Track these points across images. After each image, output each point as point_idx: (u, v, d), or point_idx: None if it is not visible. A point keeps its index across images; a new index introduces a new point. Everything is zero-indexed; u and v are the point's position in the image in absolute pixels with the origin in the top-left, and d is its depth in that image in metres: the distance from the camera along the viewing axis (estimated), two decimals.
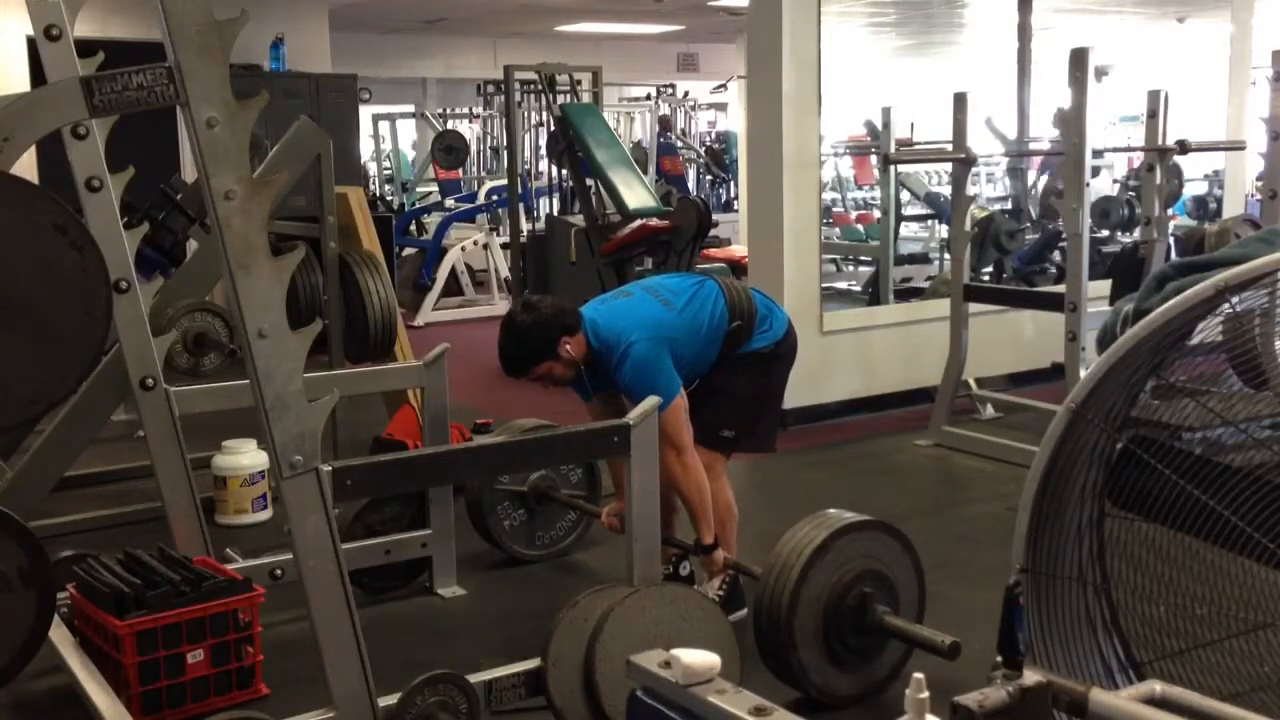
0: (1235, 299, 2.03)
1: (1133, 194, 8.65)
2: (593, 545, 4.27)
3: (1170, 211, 7.46)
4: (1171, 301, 2.07)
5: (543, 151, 9.80)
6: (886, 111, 7.48)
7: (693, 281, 3.61)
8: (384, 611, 3.73)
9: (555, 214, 8.81)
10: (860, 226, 10.69)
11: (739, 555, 3.63)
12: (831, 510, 3.15)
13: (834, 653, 3.01)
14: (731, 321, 3.52)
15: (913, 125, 10.62)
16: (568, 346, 3.38)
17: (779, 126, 5.72)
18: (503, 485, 4.08)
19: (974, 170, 6.75)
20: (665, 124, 15.30)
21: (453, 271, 10.09)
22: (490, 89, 12.47)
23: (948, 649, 2.87)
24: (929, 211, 9.96)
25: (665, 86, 14.85)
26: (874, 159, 9.73)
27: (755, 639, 3.03)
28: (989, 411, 6.13)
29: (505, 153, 9.77)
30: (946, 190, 7.93)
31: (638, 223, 6.95)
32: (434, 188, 13.61)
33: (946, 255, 7.55)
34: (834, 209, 10.92)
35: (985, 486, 5.04)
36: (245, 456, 4.64)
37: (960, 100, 5.68)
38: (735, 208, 13.21)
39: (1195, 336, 2.15)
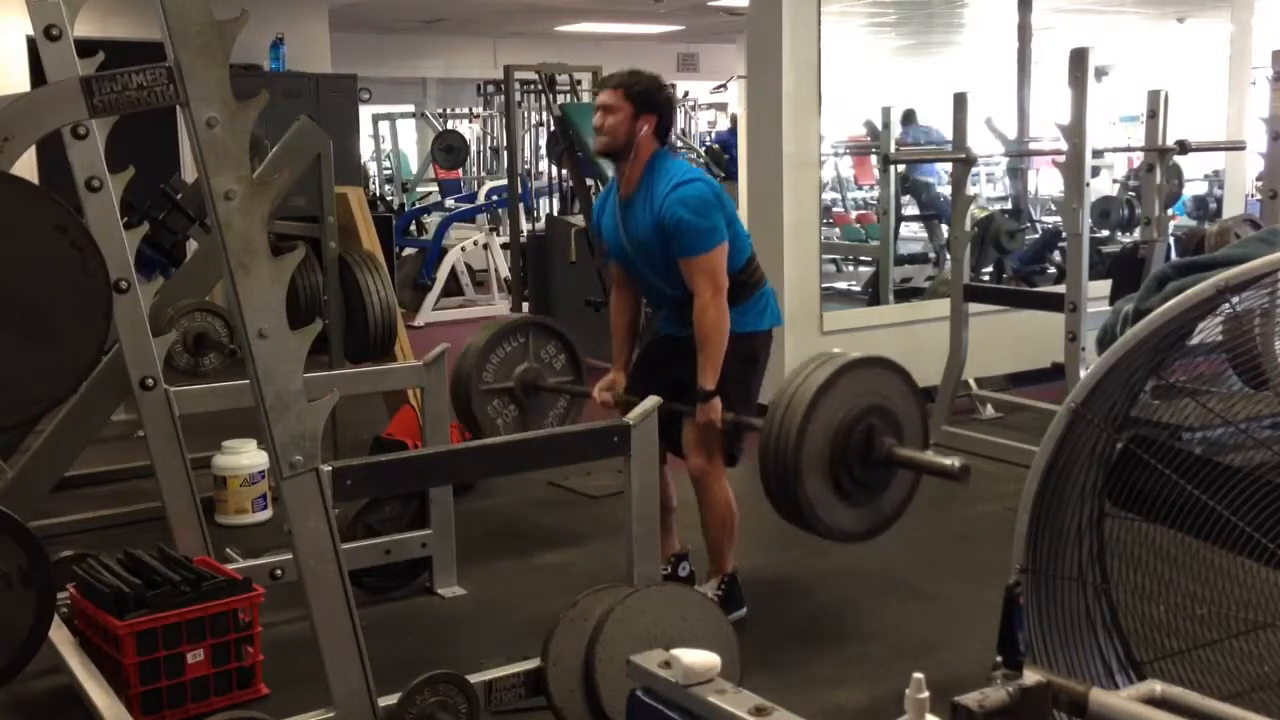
0: (1235, 299, 2.03)
1: (1133, 194, 8.64)
2: (592, 544, 4.27)
3: (1170, 211, 7.44)
4: (1171, 301, 2.06)
5: (543, 151, 9.79)
6: (886, 111, 7.46)
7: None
8: (384, 611, 3.73)
9: (555, 214, 8.80)
10: (860, 226, 10.68)
11: (738, 555, 3.63)
12: (836, 348, 3.14)
13: (841, 487, 2.99)
14: (745, 267, 3.56)
15: None
16: (645, 126, 3.46)
17: (779, 126, 5.72)
18: (489, 384, 4.09)
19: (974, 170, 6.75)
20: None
21: (453, 271, 10.08)
22: (490, 89, 12.47)
23: (958, 471, 2.86)
24: (929, 212, 9.95)
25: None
26: (874, 159, 9.72)
27: (761, 476, 3.00)
28: (989, 411, 6.12)
29: (505, 153, 9.77)
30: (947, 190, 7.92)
31: None
32: (434, 188, 13.61)
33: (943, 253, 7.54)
34: (834, 209, 10.91)
35: (985, 486, 5.02)
36: (245, 456, 4.64)
37: (960, 100, 5.68)
38: None
39: (1195, 336, 2.15)
